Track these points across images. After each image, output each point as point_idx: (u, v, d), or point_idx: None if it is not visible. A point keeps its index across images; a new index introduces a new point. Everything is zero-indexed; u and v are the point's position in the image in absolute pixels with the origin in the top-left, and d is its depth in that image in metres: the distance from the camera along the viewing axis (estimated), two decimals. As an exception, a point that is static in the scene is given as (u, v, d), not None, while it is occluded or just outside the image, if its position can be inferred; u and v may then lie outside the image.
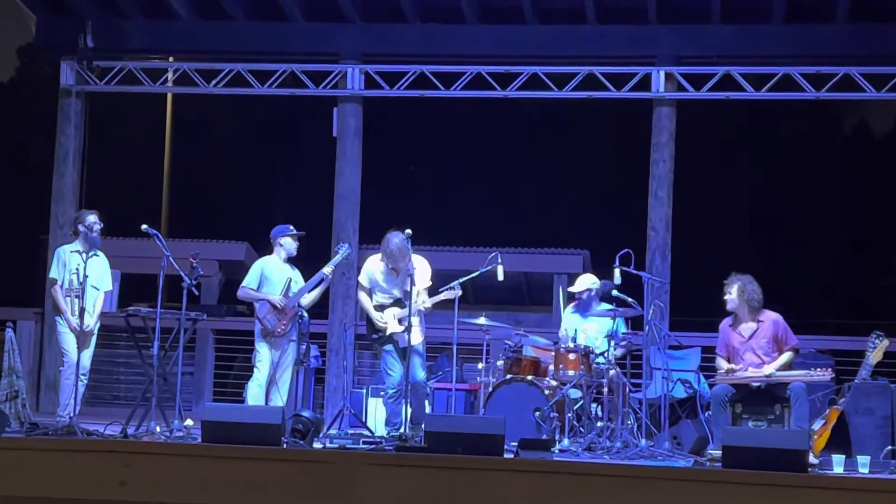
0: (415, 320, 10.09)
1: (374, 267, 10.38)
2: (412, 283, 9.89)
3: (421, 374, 10.22)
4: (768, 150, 20.63)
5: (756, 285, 9.85)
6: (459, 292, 10.26)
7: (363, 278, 10.44)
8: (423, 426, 9.65)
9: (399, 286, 10.21)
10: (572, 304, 11.06)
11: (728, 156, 20.37)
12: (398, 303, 10.21)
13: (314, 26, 13.74)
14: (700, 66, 13.17)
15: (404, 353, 10.10)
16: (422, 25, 13.56)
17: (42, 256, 13.30)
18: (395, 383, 10.21)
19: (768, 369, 9.61)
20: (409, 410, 9.83)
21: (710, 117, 16.66)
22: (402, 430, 9.68)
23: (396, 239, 10.11)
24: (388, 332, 10.24)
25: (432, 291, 10.36)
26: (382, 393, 11.36)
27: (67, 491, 7.88)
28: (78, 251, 10.11)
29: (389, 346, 10.28)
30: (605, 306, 10.59)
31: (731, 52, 13.12)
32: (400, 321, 10.13)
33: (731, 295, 9.85)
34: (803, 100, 13.31)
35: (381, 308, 10.33)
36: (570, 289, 11.01)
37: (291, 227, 10.52)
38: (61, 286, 10.13)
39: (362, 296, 10.47)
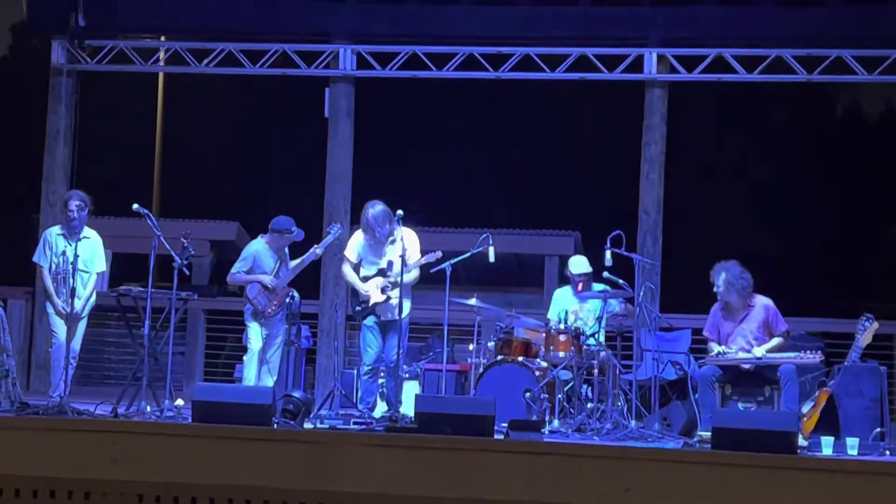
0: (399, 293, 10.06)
1: (359, 239, 10.41)
2: (404, 263, 9.89)
3: (393, 354, 10.08)
4: (760, 133, 20.64)
5: (740, 270, 9.84)
6: (440, 254, 10.17)
7: (350, 252, 10.44)
8: (398, 407, 9.68)
9: (383, 256, 10.23)
10: (574, 287, 10.98)
11: (720, 138, 20.37)
12: (381, 273, 10.23)
13: (306, 5, 13.68)
14: (692, 49, 13.18)
15: (385, 328, 10.13)
16: (414, 6, 13.51)
17: (33, 236, 13.25)
18: (370, 360, 10.23)
19: (759, 351, 9.65)
20: (385, 389, 9.87)
21: (702, 99, 16.63)
22: (375, 409, 9.72)
23: (372, 210, 10.19)
24: (371, 303, 10.25)
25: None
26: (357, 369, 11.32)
27: (58, 470, 7.89)
28: (63, 234, 10.09)
29: (371, 321, 10.28)
30: (598, 287, 10.60)
31: (723, 34, 13.11)
32: (382, 290, 10.15)
33: (720, 288, 9.87)
34: (796, 82, 13.32)
35: (365, 280, 10.36)
36: (576, 270, 10.89)
37: (293, 227, 10.37)
38: (49, 269, 10.09)
39: (347, 269, 10.45)
